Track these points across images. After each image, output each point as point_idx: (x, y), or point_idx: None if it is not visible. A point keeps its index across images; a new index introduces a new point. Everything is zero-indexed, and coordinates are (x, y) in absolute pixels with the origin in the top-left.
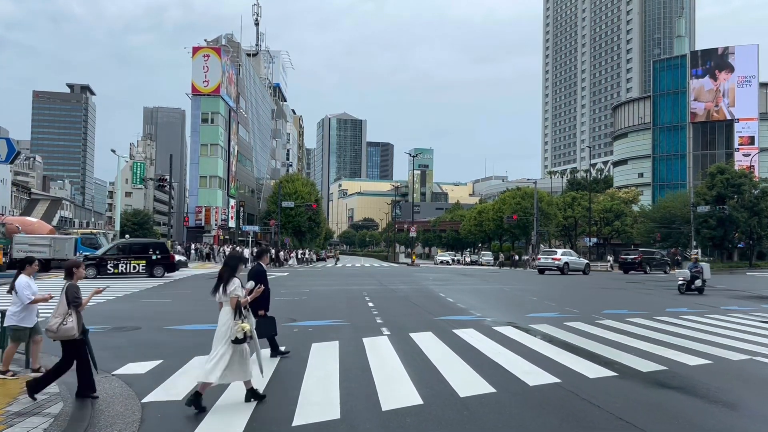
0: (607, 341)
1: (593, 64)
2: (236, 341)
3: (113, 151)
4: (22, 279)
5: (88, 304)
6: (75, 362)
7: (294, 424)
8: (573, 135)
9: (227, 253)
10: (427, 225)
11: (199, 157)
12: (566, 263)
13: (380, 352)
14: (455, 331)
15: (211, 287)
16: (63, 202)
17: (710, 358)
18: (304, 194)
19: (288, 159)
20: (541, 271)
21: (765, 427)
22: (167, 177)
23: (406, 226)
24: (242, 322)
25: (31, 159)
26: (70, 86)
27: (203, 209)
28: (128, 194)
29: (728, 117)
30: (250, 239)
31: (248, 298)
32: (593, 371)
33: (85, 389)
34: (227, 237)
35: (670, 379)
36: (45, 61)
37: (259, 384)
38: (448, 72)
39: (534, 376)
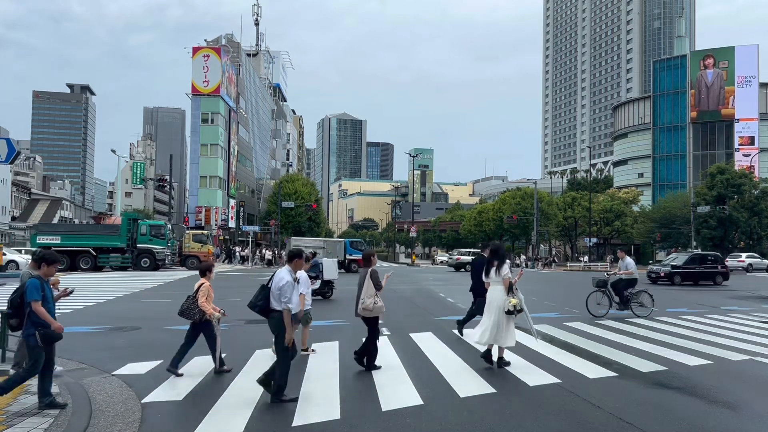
0: (607, 341)
1: (593, 64)
2: (508, 312)
3: (113, 151)
4: (302, 273)
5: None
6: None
7: (294, 424)
8: (573, 135)
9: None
10: (428, 225)
11: (199, 157)
12: (750, 264)
13: (380, 352)
14: (455, 331)
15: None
16: (63, 202)
17: (710, 358)
18: (304, 194)
19: (288, 159)
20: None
21: (765, 427)
22: (167, 177)
23: (406, 226)
24: (513, 298)
25: (31, 159)
26: (70, 86)
27: (203, 209)
28: (128, 194)
29: (728, 117)
30: (250, 239)
31: (516, 278)
32: (593, 371)
33: (372, 362)
34: (227, 237)
35: (670, 380)
36: (45, 61)
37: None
38: (449, 72)
39: (534, 376)
